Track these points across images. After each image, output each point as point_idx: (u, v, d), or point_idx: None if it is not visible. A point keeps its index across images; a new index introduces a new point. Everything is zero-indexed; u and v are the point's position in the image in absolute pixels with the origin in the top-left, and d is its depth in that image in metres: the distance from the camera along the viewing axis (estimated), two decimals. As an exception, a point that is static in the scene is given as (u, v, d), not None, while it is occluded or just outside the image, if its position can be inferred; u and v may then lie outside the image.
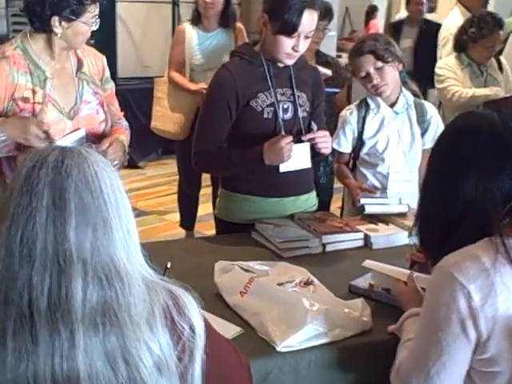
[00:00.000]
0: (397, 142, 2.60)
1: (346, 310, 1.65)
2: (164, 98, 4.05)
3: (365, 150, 2.63)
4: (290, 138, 2.18)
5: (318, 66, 2.90)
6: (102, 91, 2.30)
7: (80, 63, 2.24)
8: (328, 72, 3.64)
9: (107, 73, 2.34)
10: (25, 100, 2.10)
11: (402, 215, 2.40)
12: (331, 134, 2.39)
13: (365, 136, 2.61)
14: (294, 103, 2.31)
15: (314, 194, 2.51)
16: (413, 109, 2.62)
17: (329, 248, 2.19)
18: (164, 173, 5.91)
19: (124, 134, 2.31)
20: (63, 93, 2.19)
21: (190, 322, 1.07)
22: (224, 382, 1.18)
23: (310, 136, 2.26)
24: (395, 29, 6.42)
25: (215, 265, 1.86)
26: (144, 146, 5.71)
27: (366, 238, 2.25)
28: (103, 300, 0.99)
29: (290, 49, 2.19)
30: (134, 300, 1.01)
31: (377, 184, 2.62)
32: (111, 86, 2.37)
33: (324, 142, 2.26)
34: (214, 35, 4.01)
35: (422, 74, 4.08)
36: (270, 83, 2.27)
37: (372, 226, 2.34)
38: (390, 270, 1.81)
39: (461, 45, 3.78)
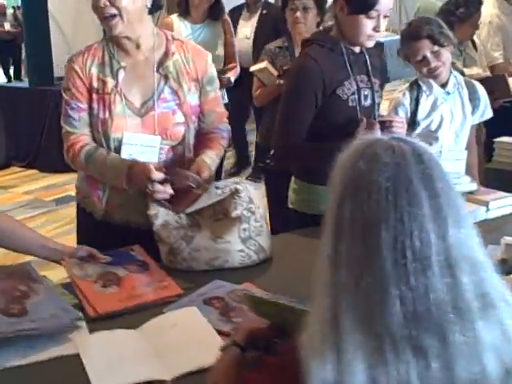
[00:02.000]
0: (450, 121, 2.66)
1: None
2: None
3: (418, 130, 2.67)
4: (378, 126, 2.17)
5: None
6: (203, 92, 2.12)
7: (165, 57, 2.07)
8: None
9: (211, 73, 2.14)
10: (95, 90, 2.04)
11: (472, 192, 2.47)
12: None
13: (419, 117, 2.65)
14: (371, 90, 2.33)
15: None
16: (464, 87, 2.70)
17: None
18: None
19: (217, 148, 2.14)
20: (137, 87, 2.05)
21: None
22: None
23: (388, 118, 2.26)
24: (231, 16, 4.82)
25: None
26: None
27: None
28: (485, 291, 0.96)
29: (371, 30, 2.18)
30: (495, 282, 0.99)
31: (429, 163, 2.67)
32: (215, 87, 2.16)
33: (400, 128, 2.23)
34: (203, 27, 3.95)
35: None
36: (350, 71, 2.26)
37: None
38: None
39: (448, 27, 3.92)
